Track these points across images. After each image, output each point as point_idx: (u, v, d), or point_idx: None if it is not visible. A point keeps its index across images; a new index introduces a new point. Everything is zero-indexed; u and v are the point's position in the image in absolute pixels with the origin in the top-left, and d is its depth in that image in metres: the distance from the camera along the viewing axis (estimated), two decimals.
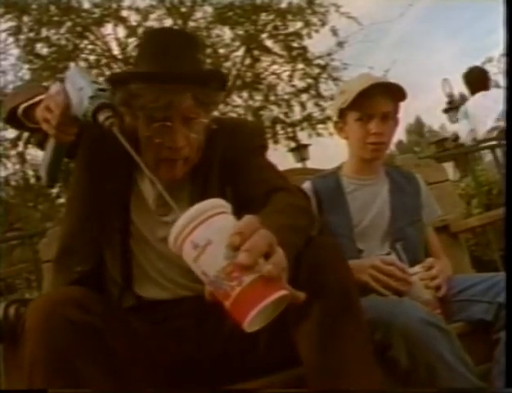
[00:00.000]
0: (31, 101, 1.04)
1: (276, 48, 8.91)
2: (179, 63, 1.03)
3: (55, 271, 1.12)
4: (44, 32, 8.05)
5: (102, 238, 1.10)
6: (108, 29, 8.31)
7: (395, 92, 1.42)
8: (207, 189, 1.08)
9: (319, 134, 9.22)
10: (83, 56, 8.42)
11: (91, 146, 1.11)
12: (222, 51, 8.88)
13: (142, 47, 1.11)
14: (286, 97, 9.16)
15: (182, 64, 1.03)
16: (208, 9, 8.59)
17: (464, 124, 4.43)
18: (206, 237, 0.63)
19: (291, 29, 8.82)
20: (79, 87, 0.91)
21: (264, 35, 8.84)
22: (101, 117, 0.86)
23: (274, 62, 9.02)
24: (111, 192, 1.10)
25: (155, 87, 0.99)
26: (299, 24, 8.79)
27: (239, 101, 9.25)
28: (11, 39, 7.99)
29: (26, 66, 8.14)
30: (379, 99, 1.40)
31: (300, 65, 8.96)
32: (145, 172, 0.80)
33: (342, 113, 1.47)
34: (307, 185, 1.51)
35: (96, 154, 1.11)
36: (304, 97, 9.11)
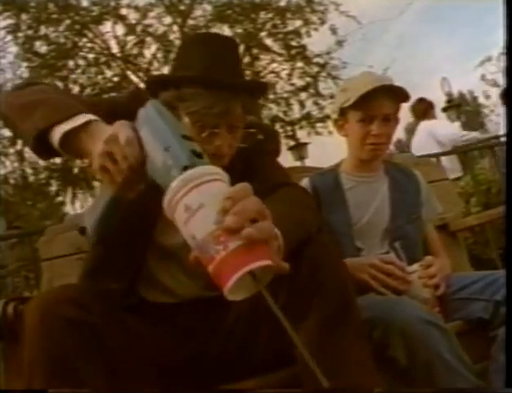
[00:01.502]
0: (71, 126, 0.79)
1: (275, 47, 8.92)
2: (233, 71, 1.03)
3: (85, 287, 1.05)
4: (43, 30, 8.04)
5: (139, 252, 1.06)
6: (107, 27, 8.31)
7: (399, 94, 1.40)
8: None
9: (318, 133, 9.23)
10: (81, 54, 8.41)
11: None
12: None
13: (189, 50, 1.07)
14: (285, 95, 9.17)
15: (235, 71, 1.04)
16: (207, 7, 8.60)
17: None
18: (199, 201, 0.62)
19: (290, 28, 8.82)
20: (165, 144, 0.69)
21: (263, 34, 8.85)
22: None
23: (273, 61, 9.02)
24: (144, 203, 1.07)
25: (210, 93, 0.97)
26: (298, 23, 8.80)
27: None
28: (9, 37, 7.99)
29: (25, 64, 8.13)
30: (382, 101, 1.39)
31: (299, 64, 8.97)
32: None
33: (343, 111, 1.46)
34: (305, 182, 1.50)
35: None
36: (303, 95, 9.12)
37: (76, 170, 8.41)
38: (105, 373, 0.84)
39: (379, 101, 1.39)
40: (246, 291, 0.64)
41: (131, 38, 8.32)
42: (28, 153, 8.00)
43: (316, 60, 8.93)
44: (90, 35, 8.38)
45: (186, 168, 0.66)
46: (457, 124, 6.48)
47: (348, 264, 1.28)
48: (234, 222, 0.60)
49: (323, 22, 8.77)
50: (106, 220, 0.86)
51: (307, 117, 9.17)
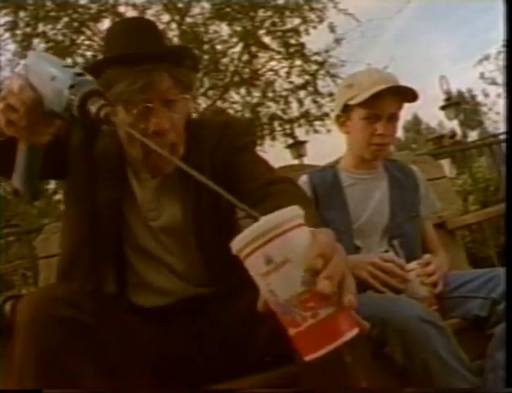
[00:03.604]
0: None
1: (274, 45, 8.92)
2: (148, 43, 1.02)
3: None
4: (41, 27, 8.03)
5: (101, 255, 1.06)
6: (105, 24, 8.29)
7: (407, 94, 1.38)
8: (200, 191, 1.05)
9: (316, 131, 9.24)
10: (79, 51, 8.40)
11: (79, 158, 1.08)
12: (219, 47, 8.87)
13: (108, 39, 1.08)
14: (284, 93, 9.17)
15: (152, 43, 1.02)
16: (206, 5, 8.58)
17: None
18: (283, 254, 0.55)
19: (289, 26, 8.82)
20: (50, 76, 0.76)
21: (262, 31, 8.84)
22: (93, 108, 0.71)
23: (272, 59, 9.02)
24: (105, 204, 1.06)
25: (130, 70, 0.95)
26: (297, 21, 8.80)
27: (236, 98, 9.25)
28: (7, 35, 7.97)
29: (23, 62, 8.10)
30: (389, 100, 1.36)
31: (298, 62, 8.97)
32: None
33: (347, 108, 1.42)
34: (304, 179, 1.48)
35: (83, 168, 1.07)
36: (302, 93, 9.12)
37: None
38: (99, 371, 0.83)
39: (387, 101, 1.36)
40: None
41: None
42: None
43: (314, 58, 8.93)
44: (88, 33, 8.37)
45: (72, 86, 0.73)
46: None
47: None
48: (328, 288, 0.54)
49: (321, 20, 8.78)
50: (30, 173, 0.87)
51: (306, 115, 9.17)
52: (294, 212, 0.59)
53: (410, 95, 1.38)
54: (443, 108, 10.82)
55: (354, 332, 0.57)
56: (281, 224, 0.56)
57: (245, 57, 8.90)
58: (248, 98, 9.14)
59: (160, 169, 1.04)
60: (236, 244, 0.58)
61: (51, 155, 0.93)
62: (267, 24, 8.77)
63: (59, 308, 0.83)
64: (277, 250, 0.56)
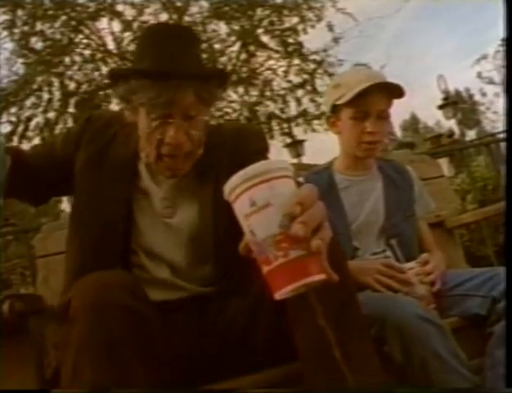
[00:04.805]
0: None
1: (272, 44, 8.90)
2: (180, 60, 1.02)
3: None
4: (39, 26, 7.99)
5: (109, 253, 1.07)
6: (103, 23, 8.27)
7: (393, 90, 1.39)
8: (218, 191, 1.08)
9: (314, 130, 9.23)
10: (77, 50, 8.38)
11: (85, 171, 1.11)
12: (217, 46, 8.85)
13: (143, 42, 1.09)
14: (282, 92, 9.16)
15: (184, 60, 1.03)
16: (204, 4, 8.57)
17: None
18: (266, 198, 0.61)
19: (287, 25, 8.81)
20: None
21: (260, 30, 8.83)
22: None
23: (270, 57, 9.01)
24: (115, 203, 1.09)
25: (157, 83, 0.98)
26: (295, 20, 8.78)
27: (234, 97, 9.24)
28: (5, 33, 7.94)
29: (20, 61, 8.09)
30: (376, 97, 1.37)
31: (296, 61, 8.96)
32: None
33: (336, 108, 1.44)
34: (300, 181, 1.49)
35: (91, 180, 1.10)
36: (300, 92, 9.11)
37: None
38: (149, 363, 0.83)
39: (374, 98, 1.37)
40: (294, 291, 0.63)
41: (127, 35, 8.28)
42: None
43: (312, 57, 8.93)
44: (86, 31, 8.34)
45: None
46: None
47: (351, 267, 1.28)
48: (301, 231, 0.59)
49: (320, 19, 8.76)
50: None
51: (304, 114, 9.16)
52: (282, 164, 0.64)
53: (396, 91, 1.39)
54: (441, 107, 10.84)
55: (321, 276, 0.62)
56: (269, 171, 0.63)
57: (243, 56, 8.88)
58: (246, 97, 9.14)
59: (173, 171, 1.07)
60: (228, 186, 0.64)
61: (54, 177, 1.07)
62: (265, 23, 8.76)
63: (121, 295, 0.82)
64: (261, 194, 0.62)
